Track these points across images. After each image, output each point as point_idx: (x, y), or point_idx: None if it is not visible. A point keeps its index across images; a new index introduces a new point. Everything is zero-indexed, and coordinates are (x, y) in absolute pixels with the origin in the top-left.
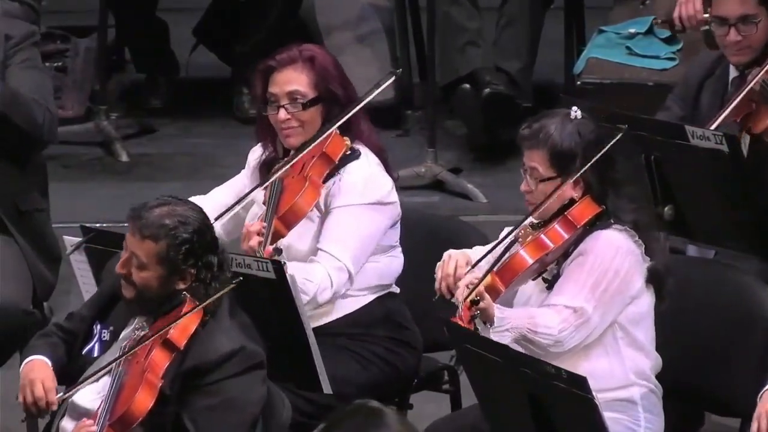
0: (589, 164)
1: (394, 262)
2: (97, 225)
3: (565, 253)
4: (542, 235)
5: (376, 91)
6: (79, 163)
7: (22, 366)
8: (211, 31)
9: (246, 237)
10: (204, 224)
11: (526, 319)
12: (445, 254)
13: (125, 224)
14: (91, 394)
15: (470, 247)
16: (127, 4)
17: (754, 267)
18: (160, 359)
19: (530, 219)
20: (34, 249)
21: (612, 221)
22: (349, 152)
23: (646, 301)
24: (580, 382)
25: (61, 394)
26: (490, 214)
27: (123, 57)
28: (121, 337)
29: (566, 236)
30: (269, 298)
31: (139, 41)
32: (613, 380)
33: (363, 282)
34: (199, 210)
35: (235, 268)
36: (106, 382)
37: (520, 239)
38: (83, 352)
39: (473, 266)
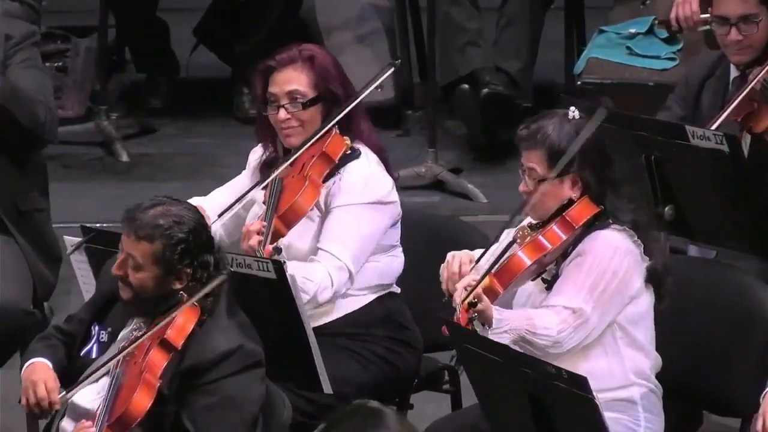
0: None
1: (394, 262)
2: (98, 225)
3: (564, 253)
4: (540, 236)
5: (376, 83)
6: (80, 163)
7: (23, 369)
8: (212, 31)
9: (246, 236)
10: (199, 224)
11: (524, 320)
12: (449, 255)
13: None
14: (90, 395)
15: (470, 247)
16: (128, 4)
17: (755, 267)
18: (158, 359)
19: (528, 219)
20: (35, 249)
21: (610, 221)
22: (349, 152)
23: (645, 301)
24: (580, 382)
25: (64, 393)
26: (490, 214)
27: (123, 57)
28: (119, 338)
29: (564, 237)
30: (269, 298)
31: (140, 41)
32: (612, 380)
33: (363, 282)
34: (194, 210)
35: (235, 268)
36: (105, 382)
37: (518, 240)
38: (81, 354)
39: (477, 261)
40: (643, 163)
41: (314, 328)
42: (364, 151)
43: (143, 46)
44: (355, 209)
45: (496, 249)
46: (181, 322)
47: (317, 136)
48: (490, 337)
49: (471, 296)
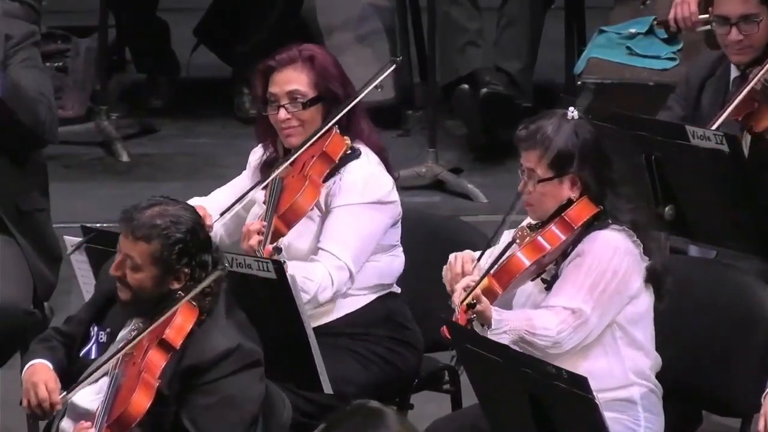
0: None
1: (395, 262)
2: (98, 225)
3: (564, 253)
4: (539, 237)
5: (377, 80)
6: (80, 163)
7: (23, 371)
8: (212, 31)
9: (246, 236)
10: (197, 223)
11: (523, 321)
12: (451, 256)
13: None
14: (90, 395)
15: (471, 247)
16: (128, 4)
17: (755, 267)
18: (157, 360)
19: (528, 219)
20: (35, 249)
21: (610, 221)
22: (349, 151)
23: (644, 301)
24: (580, 382)
25: (65, 393)
26: (490, 214)
27: (124, 57)
28: (118, 338)
29: (564, 237)
30: (269, 298)
31: (140, 41)
32: (612, 380)
33: (364, 281)
34: (192, 210)
35: (235, 268)
36: (104, 383)
37: (517, 241)
38: (81, 355)
39: (479, 259)
40: (643, 163)
41: (315, 328)
42: (365, 150)
43: (143, 46)
44: (356, 209)
45: (495, 249)
46: (180, 322)
47: (317, 136)
48: (490, 337)
49: (470, 297)
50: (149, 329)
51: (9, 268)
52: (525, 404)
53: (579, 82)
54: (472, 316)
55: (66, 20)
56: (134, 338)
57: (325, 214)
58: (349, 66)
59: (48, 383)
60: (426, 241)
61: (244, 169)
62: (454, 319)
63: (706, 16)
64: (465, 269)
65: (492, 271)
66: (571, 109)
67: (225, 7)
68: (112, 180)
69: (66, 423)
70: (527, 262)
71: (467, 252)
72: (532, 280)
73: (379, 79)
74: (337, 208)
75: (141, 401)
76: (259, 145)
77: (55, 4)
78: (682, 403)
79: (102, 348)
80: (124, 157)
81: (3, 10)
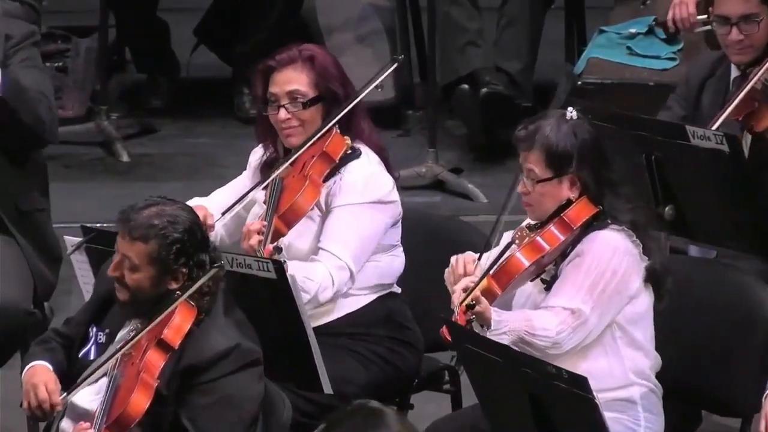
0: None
1: (395, 262)
2: (98, 225)
3: (563, 253)
4: (538, 237)
5: (379, 79)
6: (80, 163)
7: (23, 373)
8: (212, 31)
9: (246, 236)
10: (194, 223)
11: (523, 321)
12: (452, 258)
13: None
14: (89, 395)
15: (471, 247)
16: (128, 4)
17: (755, 267)
18: (156, 360)
19: (527, 220)
20: (35, 249)
21: (609, 221)
22: (349, 151)
23: (644, 301)
24: (580, 382)
25: (65, 395)
26: (490, 214)
27: (124, 57)
28: (117, 339)
29: (563, 238)
30: (269, 297)
31: (140, 41)
32: (612, 380)
33: (364, 281)
34: (189, 209)
35: (236, 268)
36: (103, 383)
37: (516, 241)
38: (80, 356)
39: (479, 258)
40: (643, 163)
41: (315, 328)
42: (365, 150)
43: (144, 46)
44: (356, 209)
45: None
46: (178, 322)
47: (318, 135)
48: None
49: (469, 298)
50: (147, 329)
51: (9, 268)
52: (525, 404)
53: (579, 82)
54: (471, 317)
55: (66, 20)
56: (132, 338)
57: (326, 213)
58: (350, 66)
59: (48, 384)
60: (426, 241)
61: (244, 169)
62: (453, 320)
63: (705, 16)
64: (467, 270)
65: (491, 272)
66: (570, 109)
67: (225, 7)
68: (112, 180)
69: (66, 423)
70: (526, 263)
71: (468, 253)
72: (532, 281)
73: (381, 78)
74: (338, 208)
75: (140, 401)
76: (260, 145)
77: (55, 4)
78: (682, 403)
79: (101, 349)
80: (125, 157)
81: (3, 10)
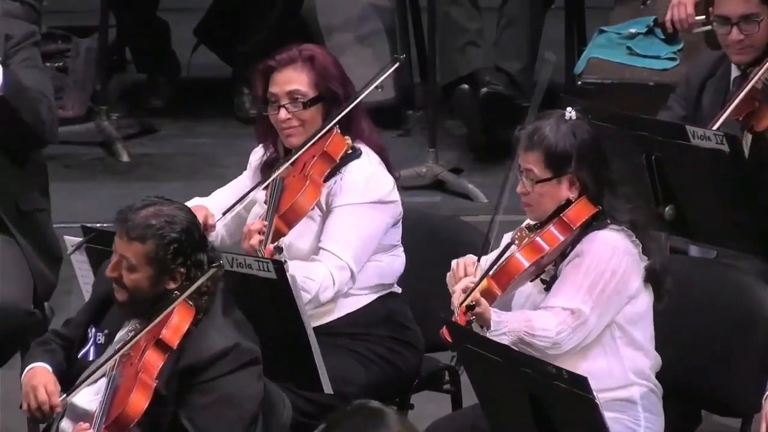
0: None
1: (395, 262)
2: (98, 225)
3: (563, 253)
4: (538, 238)
5: (381, 78)
6: (80, 163)
7: (23, 375)
8: (212, 31)
9: (247, 236)
10: (192, 223)
11: (522, 322)
12: (453, 262)
13: None
14: (89, 395)
15: (471, 247)
16: (128, 4)
17: (755, 267)
18: (154, 360)
19: (527, 221)
20: (35, 249)
21: (608, 221)
22: (350, 151)
23: (644, 301)
24: (580, 382)
25: (64, 396)
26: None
27: (124, 57)
28: (116, 339)
29: (562, 238)
30: (269, 298)
31: (140, 41)
32: (612, 380)
33: (365, 281)
34: (187, 209)
35: (236, 267)
36: (103, 383)
37: (516, 242)
38: (79, 356)
39: (479, 260)
40: (643, 163)
41: (315, 328)
42: (365, 150)
43: (144, 46)
44: (357, 209)
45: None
46: (176, 322)
47: (319, 135)
48: None
49: (469, 299)
50: (146, 330)
51: (9, 268)
52: (525, 404)
53: (579, 82)
54: (471, 318)
55: (66, 20)
56: (131, 339)
57: (326, 213)
58: (350, 66)
59: (47, 386)
60: (426, 241)
61: (245, 169)
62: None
63: (703, 17)
64: (467, 272)
65: (491, 273)
66: (569, 109)
67: (225, 7)
68: (112, 180)
69: (65, 423)
70: (526, 263)
71: (468, 256)
72: (531, 281)
73: (383, 77)
74: (338, 208)
75: (138, 402)
76: (260, 146)
77: (56, 4)
78: (682, 403)
79: (100, 349)
80: (125, 157)
81: (3, 10)
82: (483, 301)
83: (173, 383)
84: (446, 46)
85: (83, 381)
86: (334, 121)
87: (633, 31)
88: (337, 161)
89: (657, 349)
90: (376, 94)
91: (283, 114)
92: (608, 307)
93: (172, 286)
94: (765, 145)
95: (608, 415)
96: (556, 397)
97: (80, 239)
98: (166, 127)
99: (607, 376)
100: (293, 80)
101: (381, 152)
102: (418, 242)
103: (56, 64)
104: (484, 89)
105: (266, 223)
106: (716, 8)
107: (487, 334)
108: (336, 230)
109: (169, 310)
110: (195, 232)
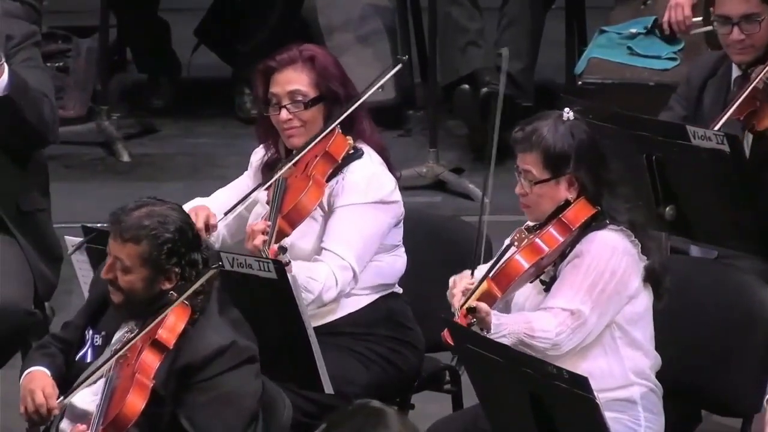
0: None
1: (397, 262)
2: (99, 225)
3: (562, 254)
4: (537, 239)
5: (384, 79)
6: (81, 163)
7: (21, 379)
8: (213, 31)
9: (250, 236)
10: (185, 222)
11: (522, 324)
12: (450, 280)
13: None
14: (88, 396)
15: (471, 247)
16: (129, 4)
17: (755, 267)
18: (151, 360)
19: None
20: (36, 249)
21: (607, 222)
22: (352, 151)
23: (643, 301)
24: (581, 382)
25: (62, 398)
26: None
27: (124, 57)
28: (113, 341)
29: (562, 239)
30: (270, 297)
31: (141, 41)
32: (612, 380)
33: (366, 281)
34: (180, 209)
35: (236, 267)
36: (101, 384)
37: (515, 243)
38: (77, 359)
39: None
40: (644, 164)
41: (316, 328)
42: (367, 150)
43: (144, 46)
44: (358, 209)
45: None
46: (172, 322)
47: (322, 135)
48: None
49: (469, 302)
50: (143, 332)
51: (10, 268)
52: (526, 404)
53: (579, 82)
54: (472, 321)
55: (67, 20)
56: (128, 341)
57: (328, 214)
58: (350, 66)
59: (45, 389)
60: (427, 241)
61: (245, 169)
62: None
63: (700, 19)
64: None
65: (491, 275)
66: (567, 110)
67: (226, 7)
68: (112, 180)
69: (65, 424)
70: (526, 265)
71: (465, 272)
72: (531, 282)
73: (386, 78)
74: (340, 208)
75: (135, 402)
76: (261, 146)
77: (56, 4)
78: (682, 403)
79: (97, 351)
80: (125, 157)
81: (3, 10)
82: (483, 304)
83: (171, 383)
84: (447, 46)
85: (81, 383)
86: (337, 122)
87: (633, 31)
88: (339, 161)
89: (657, 349)
90: (377, 94)
91: (284, 114)
92: (608, 307)
93: (167, 286)
94: (766, 144)
95: (608, 415)
96: (556, 397)
97: (81, 239)
98: (166, 127)
99: (607, 376)
100: (294, 80)
101: (382, 152)
102: (419, 242)
103: (57, 64)
104: (485, 89)
105: (269, 223)
106: (717, 8)
107: (488, 337)
108: (338, 230)
109: (165, 313)
110: (188, 231)
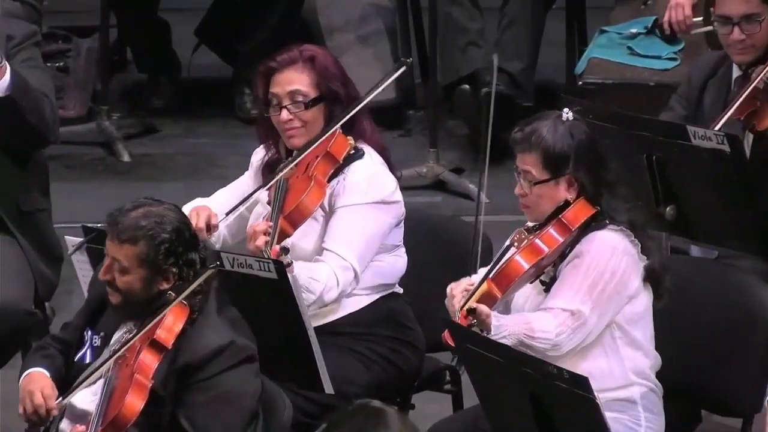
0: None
1: (398, 262)
2: (99, 225)
3: (562, 254)
4: (537, 240)
5: (387, 81)
6: (81, 163)
7: (20, 380)
8: (213, 31)
9: (252, 237)
10: (182, 222)
11: (522, 325)
12: (448, 288)
13: None
14: (88, 396)
15: (470, 247)
16: (129, 4)
17: (755, 267)
18: (150, 360)
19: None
20: (36, 249)
21: (607, 222)
22: (353, 151)
23: (643, 301)
24: (581, 382)
25: (60, 399)
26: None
27: (125, 57)
28: (112, 341)
29: (561, 239)
30: (270, 297)
31: (141, 41)
32: (612, 380)
33: (367, 281)
34: (177, 209)
35: (237, 267)
36: (100, 385)
37: (515, 244)
38: (76, 359)
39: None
40: (644, 164)
41: (316, 328)
42: (368, 150)
43: (145, 46)
44: (360, 209)
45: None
46: (171, 322)
47: (325, 137)
48: None
49: (469, 303)
50: (142, 332)
51: (10, 268)
52: (526, 404)
53: (580, 83)
54: (472, 322)
55: (67, 20)
56: (127, 341)
57: (329, 214)
58: (351, 66)
59: (44, 390)
60: (427, 241)
61: (245, 169)
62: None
63: (701, 19)
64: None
65: (491, 276)
66: (566, 110)
67: (226, 7)
68: (113, 180)
69: (65, 424)
70: (526, 266)
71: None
72: (531, 283)
73: (389, 81)
74: (341, 209)
75: (134, 402)
76: (261, 146)
77: (57, 4)
78: (682, 403)
79: (96, 352)
80: (125, 157)
81: (4, 10)
82: (483, 306)
83: (170, 383)
84: (447, 46)
85: (79, 384)
86: (340, 123)
87: (634, 31)
88: (341, 162)
89: (657, 349)
90: (377, 95)
91: (284, 115)
92: (608, 307)
93: (165, 286)
94: (766, 144)
95: (609, 415)
96: (556, 397)
97: (81, 239)
98: (166, 127)
99: (607, 376)
100: (294, 81)
101: (383, 152)
102: (419, 242)
103: (57, 64)
104: (485, 89)
105: (271, 224)
106: (717, 8)
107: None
108: (339, 231)
109: (164, 314)
110: (185, 231)
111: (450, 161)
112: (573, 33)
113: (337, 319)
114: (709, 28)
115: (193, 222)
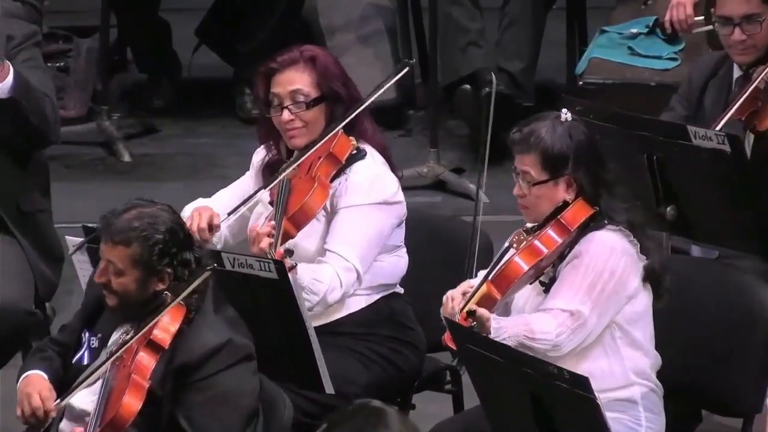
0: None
1: (399, 262)
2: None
3: (561, 255)
4: (536, 241)
5: (391, 82)
6: (81, 163)
7: (18, 383)
8: (213, 31)
9: (256, 239)
10: (175, 222)
11: (522, 326)
12: (444, 297)
13: None
14: (87, 396)
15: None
16: (130, 4)
17: (756, 267)
18: (147, 361)
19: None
20: (36, 249)
21: (606, 222)
22: (355, 152)
23: (643, 300)
24: (582, 382)
25: (58, 401)
26: (492, 214)
27: (125, 57)
28: (109, 343)
29: (560, 240)
30: (271, 297)
31: (142, 41)
32: (613, 380)
33: (368, 281)
34: (170, 209)
35: (237, 267)
36: (98, 386)
37: (514, 245)
38: (74, 361)
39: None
40: (644, 164)
41: (316, 328)
42: (370, 151)
43: (145, 46)
44: (362, 210)
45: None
46: (167, 322)
47: (328, 137)
48: None
49: (469, 305)
50: (139, 334)
51: (10, 268)
52: (526, 404)
53: (580, 83)
54: (472, 324)
55: (67, 20)
56: (124, 343)
57: (331, 214)
58: (351, 66)
59: (42, 392)
60: (428, 241)
61: (246, 169)
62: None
63: (702, 18)
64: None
65: (490, 278)
66: (565, 110)
67: (226, 7)
68: (113, 180)
69: (64, 424)
70: (525, 267)
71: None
72: (530, 284)
73: (392, 82)
74: (344, 209)
75: (132, 403)
76: (262, 146)
77: (57, 4)
78: (683, 402)
79: (94, 353)
80: (126, 157)
81: (4, 10)
82: (483, 309)
83: (168, 383)
84: (447, 46)
85: (77, 386)
86: (342, 124)
87: (634, 31)
88: (343, 162)
89: (657, 349)
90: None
91: (286, 115)
92: (607, 307)
93: (160, 287)
94: (767, 145)
95: (609, 415)
96: (557, 398)
97: (81, 239)
98: (167, 127)
99: (607, 376)
100: (295, 81)
101: (384, 152)
102: (420, 242)
103: (57, 64)
104: (485, 89)
105: (274, 224)
106: (718, 9)
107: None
108: (342, 232)
109: (161, 315)
110: (179, 231)
111: (450, 161)
112: (573, 33)
113: (337, 319)
114: (710, 27)
115: (196, 222)
